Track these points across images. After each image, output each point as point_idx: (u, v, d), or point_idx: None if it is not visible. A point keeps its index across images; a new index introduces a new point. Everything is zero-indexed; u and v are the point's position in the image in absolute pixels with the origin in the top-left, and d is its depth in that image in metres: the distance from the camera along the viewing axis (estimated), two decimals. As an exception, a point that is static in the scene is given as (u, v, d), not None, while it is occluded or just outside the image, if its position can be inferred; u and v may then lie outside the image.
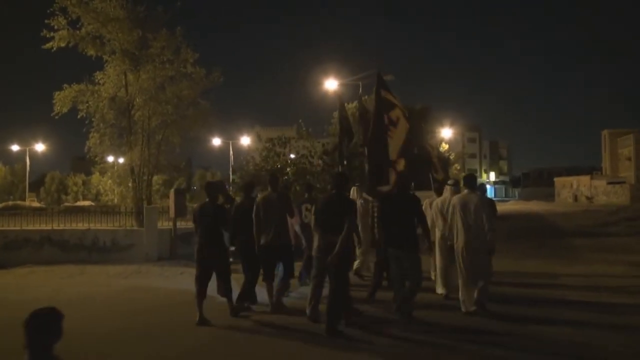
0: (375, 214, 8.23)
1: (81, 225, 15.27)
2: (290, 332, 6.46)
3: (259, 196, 7.78)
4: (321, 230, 6.53)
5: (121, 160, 19.88)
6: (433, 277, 8.98)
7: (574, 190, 62.50)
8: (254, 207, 7.50)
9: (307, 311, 6.86)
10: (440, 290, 8.34)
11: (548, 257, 13.34)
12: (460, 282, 7.26)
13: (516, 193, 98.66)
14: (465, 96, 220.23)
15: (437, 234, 8.32)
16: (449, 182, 8.60)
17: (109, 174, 20.30)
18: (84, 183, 76.69)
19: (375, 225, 8.10)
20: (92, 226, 15.15)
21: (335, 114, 31.10)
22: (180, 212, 13.76)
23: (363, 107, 13.43)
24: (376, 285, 8.24)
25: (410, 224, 6.78)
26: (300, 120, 21.80)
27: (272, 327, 6.71)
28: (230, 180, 24.30)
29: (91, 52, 17.77)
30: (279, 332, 6.48)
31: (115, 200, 21.12)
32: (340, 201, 6.55)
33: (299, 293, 8.74)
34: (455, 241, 7.28)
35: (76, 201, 65.26)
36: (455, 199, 7.40)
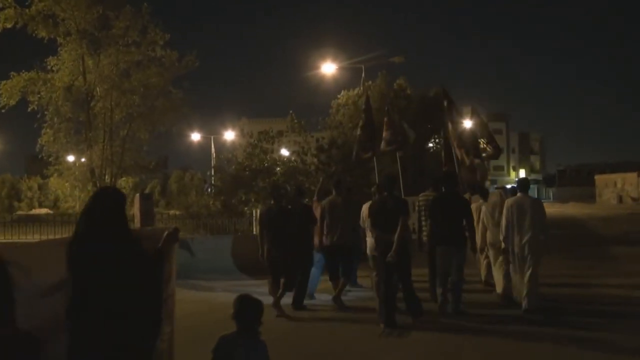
0: (423, 215, 9.61)
1: (32, 238, 15.26)
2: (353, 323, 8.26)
3: (325, 200, 9.47)
4: (378, 230, 7.99)
5: (83, 159, 19.92)
6: (483, 279, 10.61)
7: (618, 189, 62.55)
8: (320, 210, 9.33)
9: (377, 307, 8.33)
10: (499, 289, 9.49)
11: (581, 268, 13.35)
12: (515, 279, 8.79)
13: (551, 193, 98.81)
14: (488, 80, 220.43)
15: (489, 237, 9.71)
16: (497, 187, 9.94)
17: (66, 176, 20.29)
18: (40, 187, 76.40)
19: (423, 225, 9.64)
20: (44, 238, 15.12)
21: (334, 103, 31.15)
22: (147, 220, 13.74)
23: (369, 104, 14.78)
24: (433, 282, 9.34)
25: (458, 223, 8.49)
26: (291, 112, 21.80)
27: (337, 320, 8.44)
28: (212, 181, 24.29)
29: (43, 33, 17.80)
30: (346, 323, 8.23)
31: (77, 207, 21.17)
32: (394, 202, 8.07)
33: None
34: (511, 241, 8.66)
35: (31, 209, 65.24)
36: (511, 201, 8.84)
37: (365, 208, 9.01)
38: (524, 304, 8.42)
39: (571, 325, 7.72)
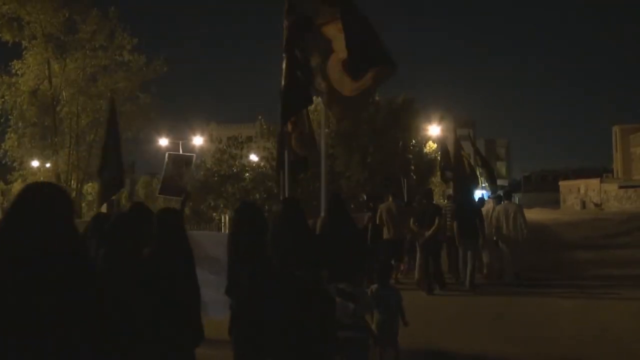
0: (449, 218, 12.66)
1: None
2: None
3: (382, 205, 12.33)
4: (419, 227, 11.41)
5: (48, 165, 19.65)
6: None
7: (581, 195, 63.55)
8: (378, 213, 12.17)
9: (417, 281, 11.84)
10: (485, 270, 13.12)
11: (543, 271, 13.66)
12: (500, 263, 12.47)
13: (516, 199, 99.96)
14: (456, 87, 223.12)
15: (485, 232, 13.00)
16: (491, 195, 14.97)
17: (31, 182, 19.92)
18: (3, 193, 74.80)
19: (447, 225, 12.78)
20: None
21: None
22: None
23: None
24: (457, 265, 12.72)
25: (474, 223, 11.77)
26: (260, 117, 21.78)
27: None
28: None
29: (7, 36, 17.53)
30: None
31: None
32: (431, 207, 11.70)
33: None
34: (499, 236, 12.16)
35: (-6, 215, 63.71)
36: (499, 207, 12.44)
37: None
38: (507, 278, 12.04)
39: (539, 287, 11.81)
